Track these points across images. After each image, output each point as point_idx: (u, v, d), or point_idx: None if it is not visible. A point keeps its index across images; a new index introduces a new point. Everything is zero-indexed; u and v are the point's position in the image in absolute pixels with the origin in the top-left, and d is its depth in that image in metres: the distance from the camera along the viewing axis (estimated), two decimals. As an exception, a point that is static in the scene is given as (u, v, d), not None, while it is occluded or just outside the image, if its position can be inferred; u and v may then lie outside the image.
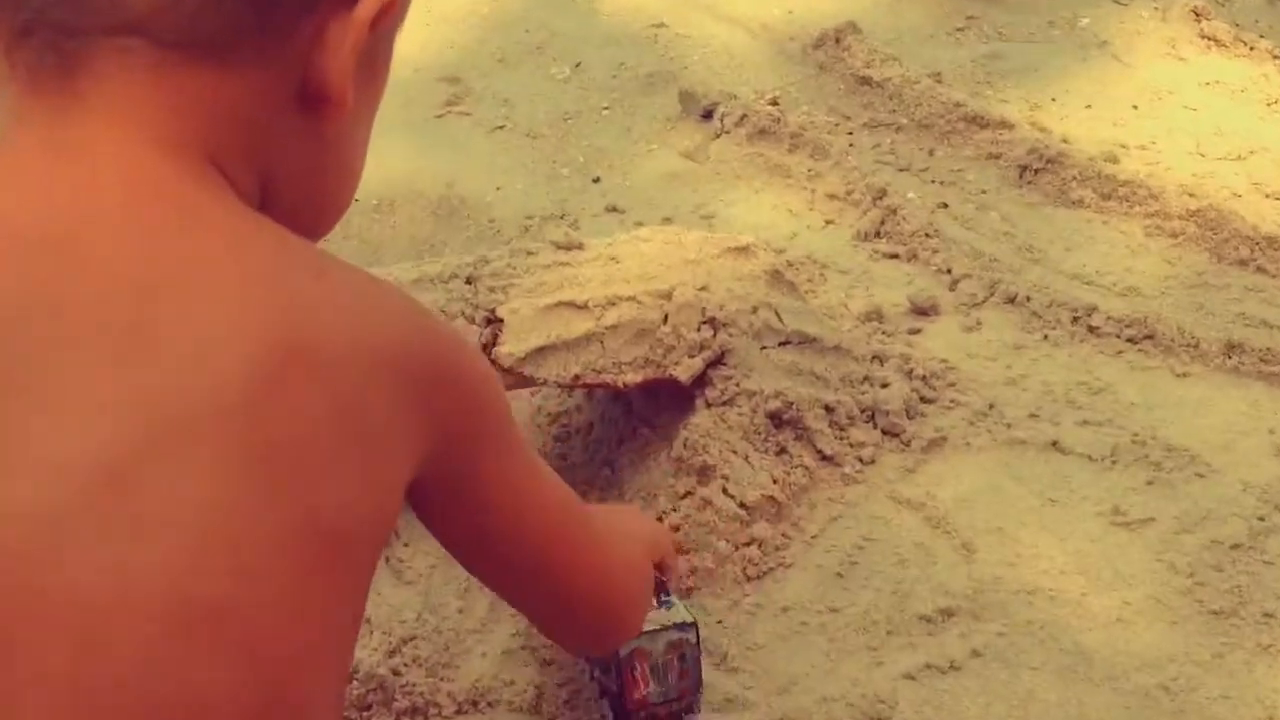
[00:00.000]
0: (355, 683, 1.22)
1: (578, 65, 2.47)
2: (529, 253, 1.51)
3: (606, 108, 2.34)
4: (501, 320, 1.44)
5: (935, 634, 1.33)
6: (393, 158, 2.18)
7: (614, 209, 2.05)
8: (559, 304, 1.45)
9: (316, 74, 0.71)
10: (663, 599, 1.23)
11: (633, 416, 1.59)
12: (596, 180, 2.13)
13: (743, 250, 1.59)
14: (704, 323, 1.47)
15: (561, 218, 2.03)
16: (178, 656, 0.60)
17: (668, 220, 2.01)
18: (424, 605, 1.34)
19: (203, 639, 0.61)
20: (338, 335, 0.68)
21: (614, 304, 1.46)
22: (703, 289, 1.49)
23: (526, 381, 1.44)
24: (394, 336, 0.71)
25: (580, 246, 1.52)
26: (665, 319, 1.46)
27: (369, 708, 1.23)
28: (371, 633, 1.27)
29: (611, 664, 1.19)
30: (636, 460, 1.54)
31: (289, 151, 0.75)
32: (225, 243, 0.68)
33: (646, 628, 1.16)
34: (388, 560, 1.36)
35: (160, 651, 0.60)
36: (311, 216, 0.81)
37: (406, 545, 1.41)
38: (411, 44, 2.58)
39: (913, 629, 1.34)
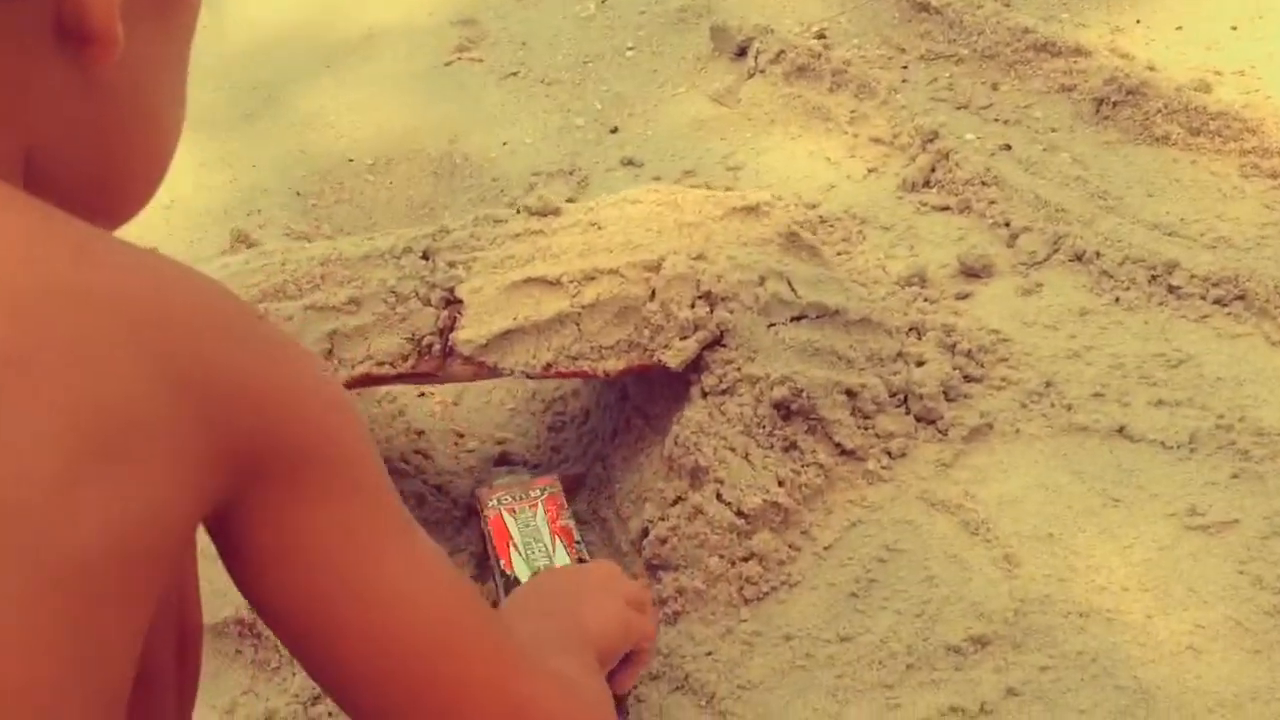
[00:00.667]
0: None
1: (603, 1, 2.25)
2: (496, 220, 1.30)
3: (631, 48, 2.11)
4: (461, 301, 1.24)
5: (964, 668, 1.11)
6: (392, 112, 1.99)
7: (630, 162, 1.83)
8: (528, 280, 1.25)
9: (71, 6, 0.55)
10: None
11: (627, 404, 1.38)
12: (614, 131, 1.92)
13: (752, 210, 1.37)
14: (698, 298, 1.26)
15: (571, 174, 1.82)
16: None
17: (689, 174, 1.79)
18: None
19: None
20: (93, 332, 0.51)
21: (593, 278, 1.25)
22: (698, 258, 1.28)
23: (489, 372, 1.24)
24: (178, 335, 0.54)
25: (556, 212, 1.31)
26: (652, 295, 1.25)
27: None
28: (293, 675, 1.09)
29: None
30: (629, 456, 1.34)
31: (60, 110, 0.58)
32: None
33: None
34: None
35: None
36: (104, 191, 0.63)
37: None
38: (428, -17, 2.39)
39: (938, 662, 1.12)
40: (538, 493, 1.26)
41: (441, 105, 2.00)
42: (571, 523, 1.23)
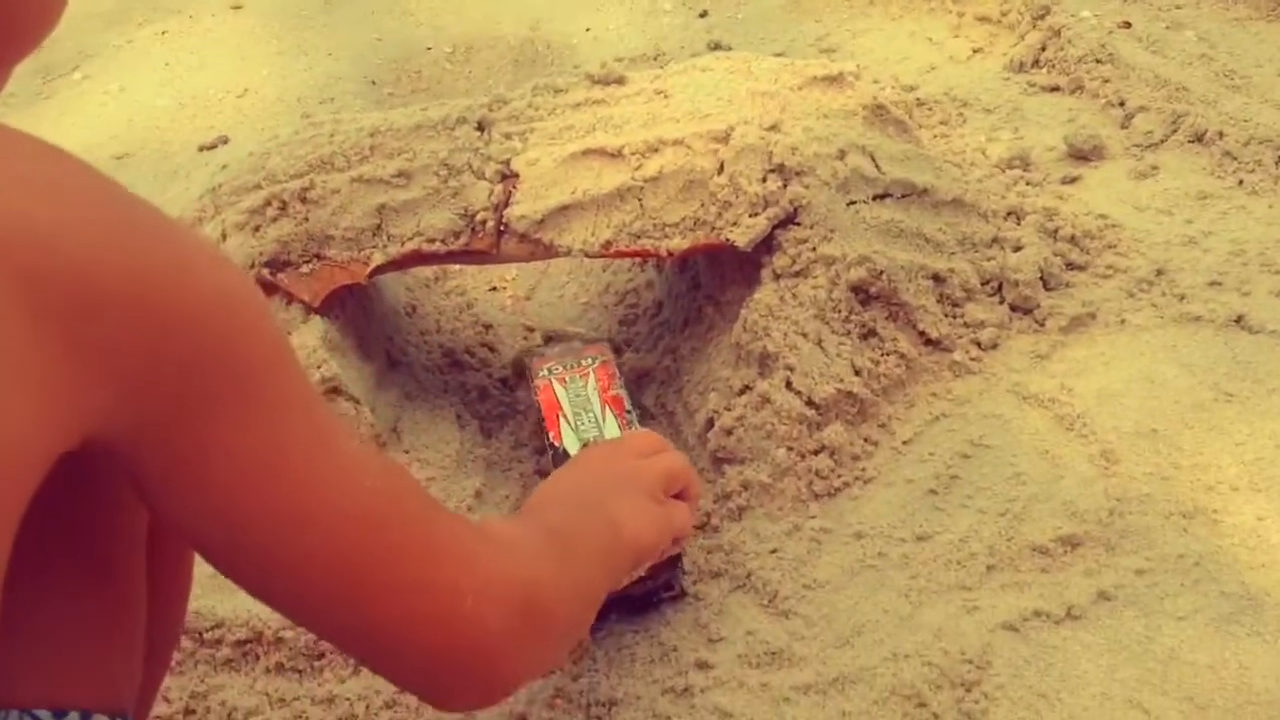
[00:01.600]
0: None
1: (700, -114, 2.14)
2: (556, 90, 1.22)
3: (726, -69, 2.00)
4: (516, 175, 1.17)
5: (1051, 570, 1.02)
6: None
7: (718, 46, 1.73)
8: (587, 151, 1.17)
9: None
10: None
11: (699, 293, 1.30)
12: (703, 15, 1.81)
13: (834, 80, 1.26)
14: (770, 171, 1.16)
15: (655, 58, 1.72)
16: None
17: (779, 57, 1.68)
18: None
19: None
20: None
21: (656, 150, 1.16)
22: (771, 128, 1.18)
23: (545, 251, 1.16)
24: (39, 255, 0.47)
25: (621, 80, 1.23)
26: (721, 168, 1.16)
27: None
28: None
29: None
30: (698, 347, 1.26)
31: None
32: None
33: None
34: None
35: None
36: None
37: (407, 452, 1.17)
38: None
39: (1022, 564, 1.02)
40: (589, 361, 1.19)
41: (523, -7, 1.92)
42: (623, 392, 1.16)
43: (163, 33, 1.99)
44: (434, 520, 0.61)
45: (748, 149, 1.16)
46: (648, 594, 1.03)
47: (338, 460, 0.57)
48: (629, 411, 1.13)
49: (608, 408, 1.13)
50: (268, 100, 1.75)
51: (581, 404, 1.13)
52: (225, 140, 1.65)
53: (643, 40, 1.78)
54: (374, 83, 1.76)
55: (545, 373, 1.17)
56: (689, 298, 1.31)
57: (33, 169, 0.49)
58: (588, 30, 1.82)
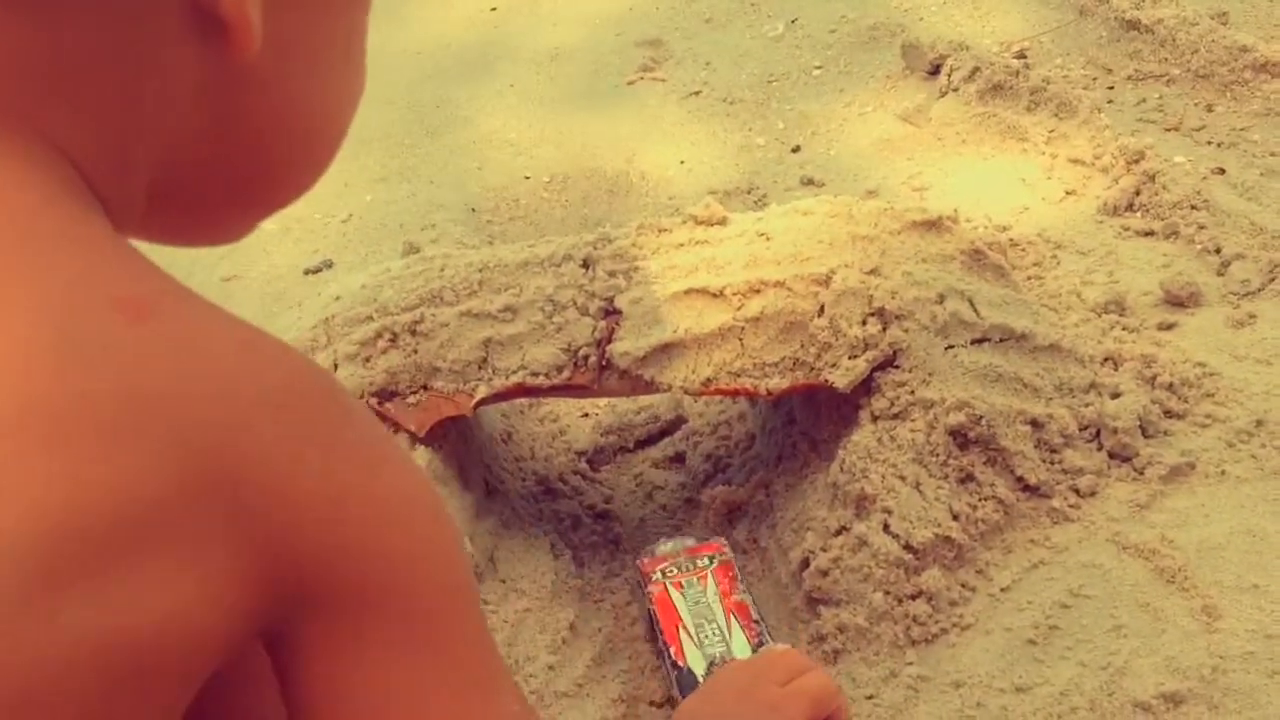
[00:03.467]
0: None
1: (793, 21, 2.19)
2: (660, 229, 1.25)
3: (819, 67, 2.05)
4: (620, 312, 1.19)
5: (1155, 730, 1.00)
6: (571, 130, 1.97)
7: (810, 181, 1.76)
8: (690, 291, 1.19)
9: None
10: None
11: (794, 429, 1.31)
12: (796, 150, 1.85)
13: (933, 224, 1.28)
14: (871, 314, 1.18)
15: (749, 192, 1.76)
16: None
17: (871, 194, 1.71)
18: (505, 660, 1.09)
19: None
20: (125, 398, 0.44)
21: (758, 291, 1.18)
22: (872, 272, 1.20)
23: (646, 387, 1.18)
24: (217, 431, 0.45)
25: (723, 221, 1.25)
26: (821, 310, 1.18)
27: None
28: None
29: None
30: (793, 484, 1.26)
31: (200, 104, 0.52)
32: None
33: None
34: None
35: None
36: (264, 180, 0.57)
37: (504, 582, 1.18)
38: (619, 4, 2.37)
39: (1125, 719, 1.01)
40: (705, 561, 1.18)
41: (621, 124, 1.97)
42: (748, 597, 1.13)
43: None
44: None
45: (848, 292, 1.18)
46: None
47: (495, 714, 0.52)
48: (757, 622, 1.12)
49: (733, 617, 1.12)
50: (370, 226, 1.80)
51: (703, 613, 1.12)
52: (330, 264, 1.70)
53: (736, 173, 1.82)
54: (474, 210, 1.80)
55: (659, 575, 1.16)
56: (783, 433, 1.32)
57: (227, 344, 0.48)
58: (682, 163, 1.86)
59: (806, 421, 1.29)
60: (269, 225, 1.85)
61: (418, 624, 0.49)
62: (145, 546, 0.43)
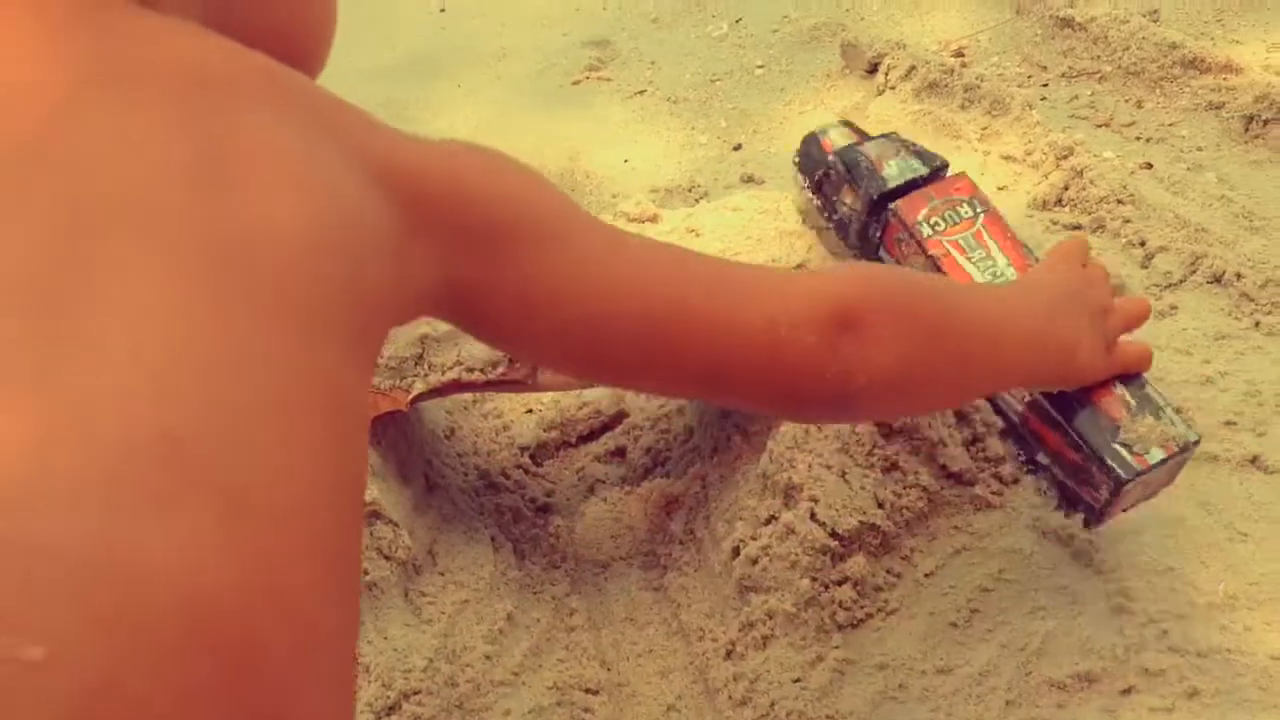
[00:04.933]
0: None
1: (738, 21, 2.23)
2: (594, 229, 1.28)
3: (761, 66, 2.08)
4: (554, 309, 1.22)
5: (1069, 706, 1.04)
6: (519, 130, 1.99)
7: (750, 179, 1.79)
8: (623, 289, 1.22)
9: None
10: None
11: (728, 422, 1.34)
12: (737, 148, 1.88)
13: (861, 222, 1.32)
14: (799, 310, 1.21)
15: (690, 190, 1.79)
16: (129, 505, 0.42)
17: (811, 190, 1.74)
18: (440, 650, 1.12)
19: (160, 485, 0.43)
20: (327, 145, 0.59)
21: (689, 288, 1.21)
22: (799, 266, 1.23)
23: (580, 382, 1.21)
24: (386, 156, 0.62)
25: (655, 218, 1.28)
26: (750, 306, 1.21)
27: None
28: (368, 683, 1.07)
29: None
30: (726, 475, 1.30)
31: None
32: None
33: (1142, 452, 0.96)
34: (406, 594, 1.16)
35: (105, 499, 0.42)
36: (291, 44, 0.69)
37: (443, 574, 1.21)
38: (566, 5, 2.40)
39: (1040, 699, 1.05)
40: (967, 210, 1.01)
41: (567, 123, 2.00)
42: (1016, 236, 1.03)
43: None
44: (730, 269, 0.73)
45: (776, 288, 1.21)
46: None
47: (632, 253, 0.69)
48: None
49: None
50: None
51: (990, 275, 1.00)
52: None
53: (678, 171, 1.85)
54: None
55: (928, 230, 0.98)
56: (719, 426, 1.35)
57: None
58: (626, 161, 1.89)
59: (740, 413, 1.32)
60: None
61: (548, 227, 0.68)
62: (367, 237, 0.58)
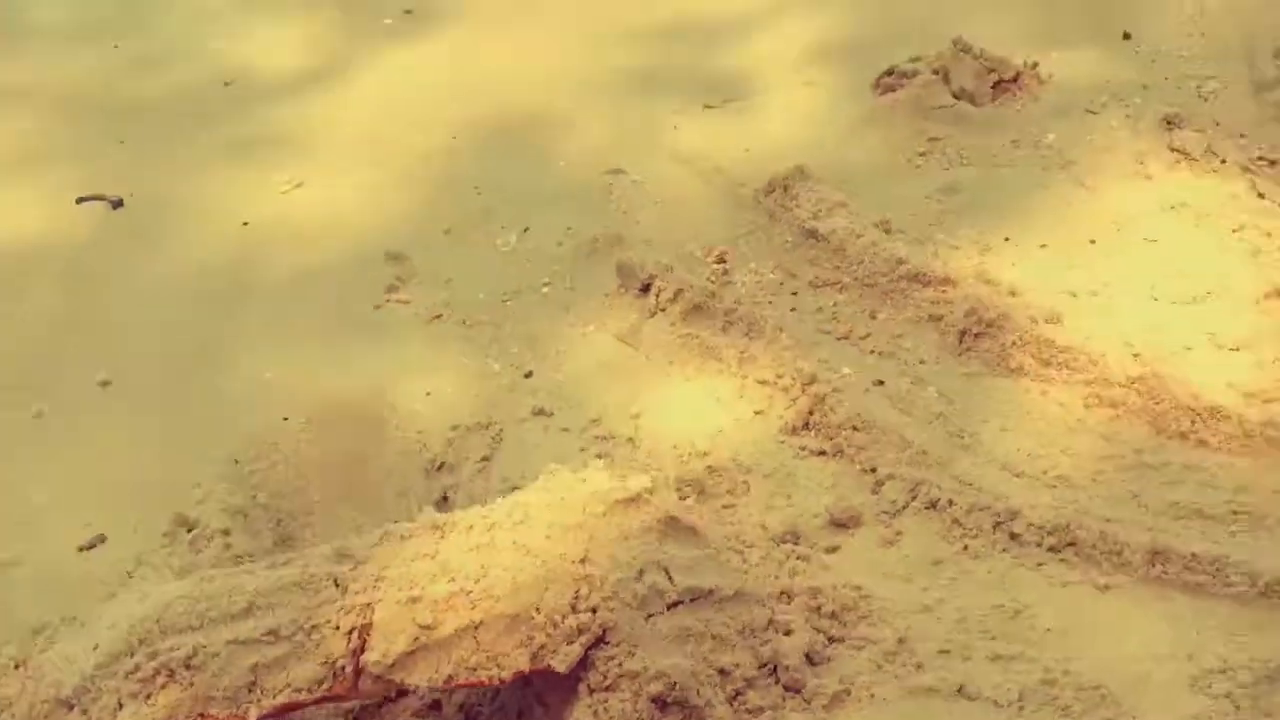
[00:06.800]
0: None
1: (525, 230, 2.45)
2: (401, 536, 1.48)
3: (548, 283, 2.31)
4: (369, 624, 1.42)
5: None
6: (325, 364, 2.18)
7: (542, 412, 2.02)
8: (428, 600, 1.42)
9: None
10: None
11: (529, 690, 1.55)
12: (528, 375, 2.11)
13: (632, 502, 1.54)
14: (580, 601, 1.43)
15: (486, 428, 2.00)
16: None
17: (595, 423, 1.98)
18: None
19: None
20: None
21: (488, 593, 1.42)
22: (582, 560, 1.45)
23: (398, 689, 1.41)
24: None
25: (454, 526, 1.49)
26: (539, 606, 1.42)
27: None
28: None
29: None
30: (530, 738, 1.51)
31: None
32: None
33: None
34: None
35: None
36: None
37: None
38: (364, 215, 2.59)
39: None
40: None
41: (370, 356, 2.19)
42: None
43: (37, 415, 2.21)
44: None
45: (563, 586, 1.43)
46: None
47: None
48: None
49: None
50: (137, 491, 1.96)
51: None
52: (103, 539, 1.88)
53: (475, 405, 2.06)
54: (237, 461, 2.00)
55: None
56: (520, 694, 1.56)
57: None
58: (428, 394, 2.09)
59: (540, 684, 1.53)
60: (38, 497, 2.00)
61: None
62: None
